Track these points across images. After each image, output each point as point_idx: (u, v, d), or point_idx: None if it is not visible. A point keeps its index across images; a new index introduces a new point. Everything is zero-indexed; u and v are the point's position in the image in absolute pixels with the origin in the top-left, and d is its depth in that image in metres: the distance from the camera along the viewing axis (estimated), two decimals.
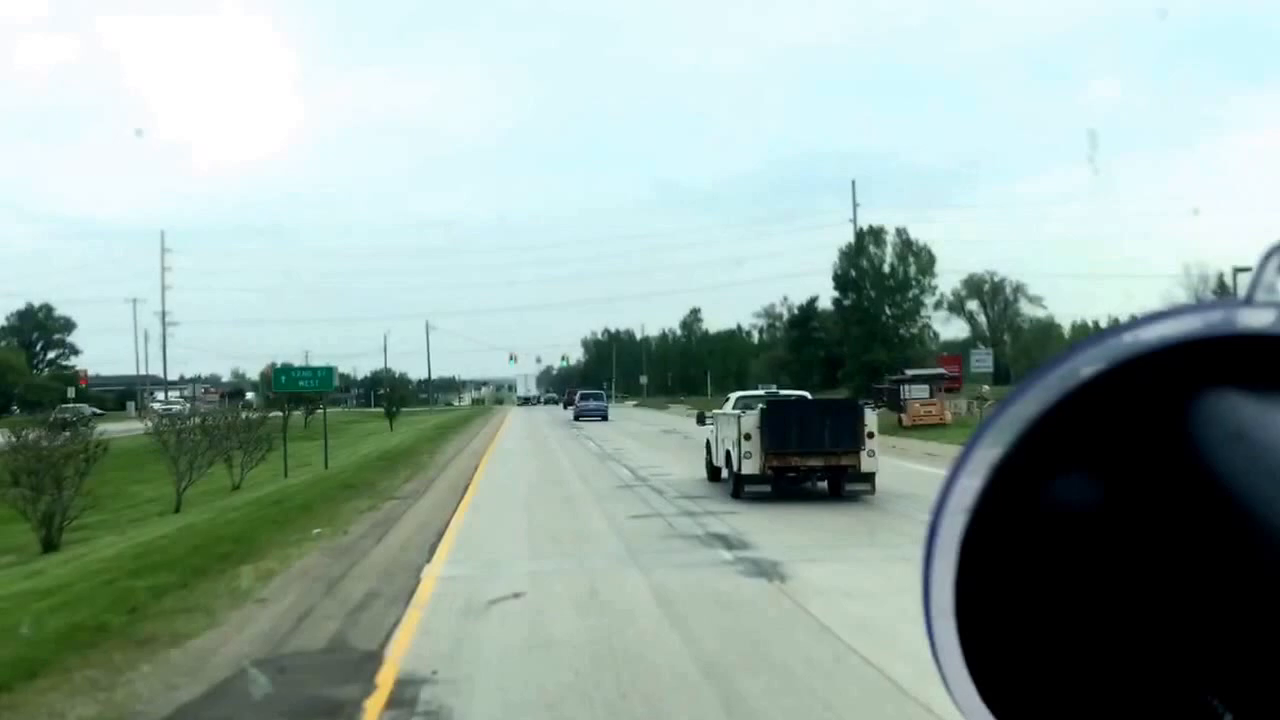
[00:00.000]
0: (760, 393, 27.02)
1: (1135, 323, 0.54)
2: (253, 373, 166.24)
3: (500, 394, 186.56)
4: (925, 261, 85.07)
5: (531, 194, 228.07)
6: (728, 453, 19.67)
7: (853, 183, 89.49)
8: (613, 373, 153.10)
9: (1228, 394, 0.53)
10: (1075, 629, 0.56)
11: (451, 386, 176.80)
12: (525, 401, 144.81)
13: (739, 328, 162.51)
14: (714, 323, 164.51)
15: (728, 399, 24.07)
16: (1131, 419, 0.54)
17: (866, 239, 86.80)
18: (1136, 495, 0.54)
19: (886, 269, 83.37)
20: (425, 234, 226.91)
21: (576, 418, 64.78)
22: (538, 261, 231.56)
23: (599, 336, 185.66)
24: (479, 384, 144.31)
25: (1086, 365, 0.54)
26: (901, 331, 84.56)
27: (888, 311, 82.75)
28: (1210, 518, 0.51)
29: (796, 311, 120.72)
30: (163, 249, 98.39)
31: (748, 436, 18.33)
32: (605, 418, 64.65)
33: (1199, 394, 0.53)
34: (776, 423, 18.33)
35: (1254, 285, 0.54)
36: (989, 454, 0.55)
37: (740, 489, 18.91)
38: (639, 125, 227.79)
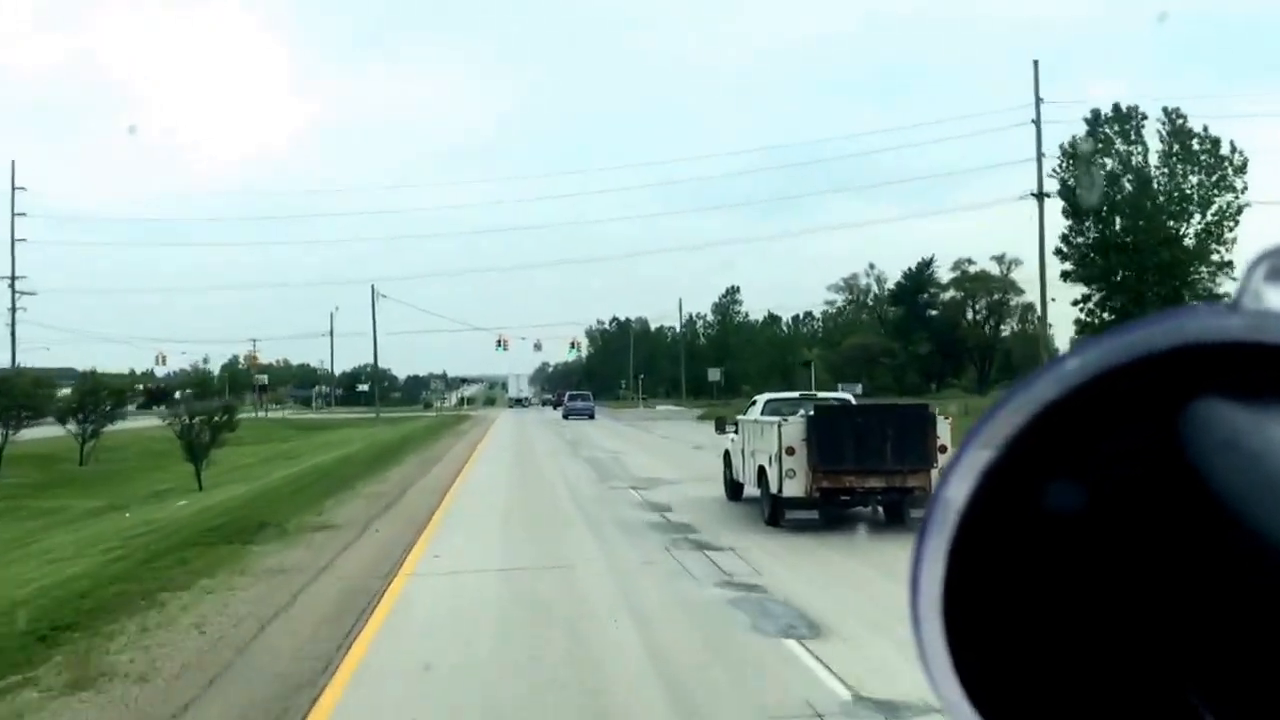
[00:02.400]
0: (794, 395, 19.79)
1: (1126, 328, 0.53)
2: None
3: (493, 392, 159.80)
4: (1221, 165, 45.04)
5: (537, 179, 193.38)
6: (761, 469, 15.36)
7: (1035, 63, 51.92)
8: (629, 369, 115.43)
9: (1219, 401, 0.52)
10: (1063, 630, 0.55)
11: (446, 384, 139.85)
12: (517, 403, 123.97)
13: (769, 315, 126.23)
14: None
15: (754, 402, 18.79)
16: (1123, 425, 0.54)
17: (1109, 126, 46.85)
18: (1128, 501, 0.54)
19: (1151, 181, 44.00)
20: (412, 223, 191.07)
21: (565, 416, 65.48)
22: (538, 248, 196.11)
23: (606, 326, 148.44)
24: (463, 380, 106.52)
25: (1078, 371, 0.53)
26: (1193, 279, 44.76)
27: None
28: (1201, 524, 0.50)
29: (903, 280, 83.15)
30: (13, 184, 60.11)
31: (790, 450, 14.21)
32: (592, 416, 65.34)
33: (1190, 401, 0.52)
34: (828, 434, 14.20)
35: (1241, 293, 0.53)
36: (981, 456, 0.54)
37: (779, 515, 14.67)
38: (643, 118, 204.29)
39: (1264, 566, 0.47)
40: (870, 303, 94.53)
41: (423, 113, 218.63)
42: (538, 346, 77.76)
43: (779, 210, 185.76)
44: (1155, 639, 0.53)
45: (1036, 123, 52.50)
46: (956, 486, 0.54)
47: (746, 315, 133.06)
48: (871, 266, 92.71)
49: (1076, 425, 0.53)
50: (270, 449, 45.29)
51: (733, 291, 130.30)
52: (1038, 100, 52.51)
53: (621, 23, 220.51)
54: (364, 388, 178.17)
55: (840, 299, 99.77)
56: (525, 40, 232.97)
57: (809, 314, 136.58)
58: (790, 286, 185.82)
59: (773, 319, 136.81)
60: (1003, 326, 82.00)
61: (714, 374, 78.11)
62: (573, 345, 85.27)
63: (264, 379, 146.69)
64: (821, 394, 23.34)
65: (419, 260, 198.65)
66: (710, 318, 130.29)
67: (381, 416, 75.95)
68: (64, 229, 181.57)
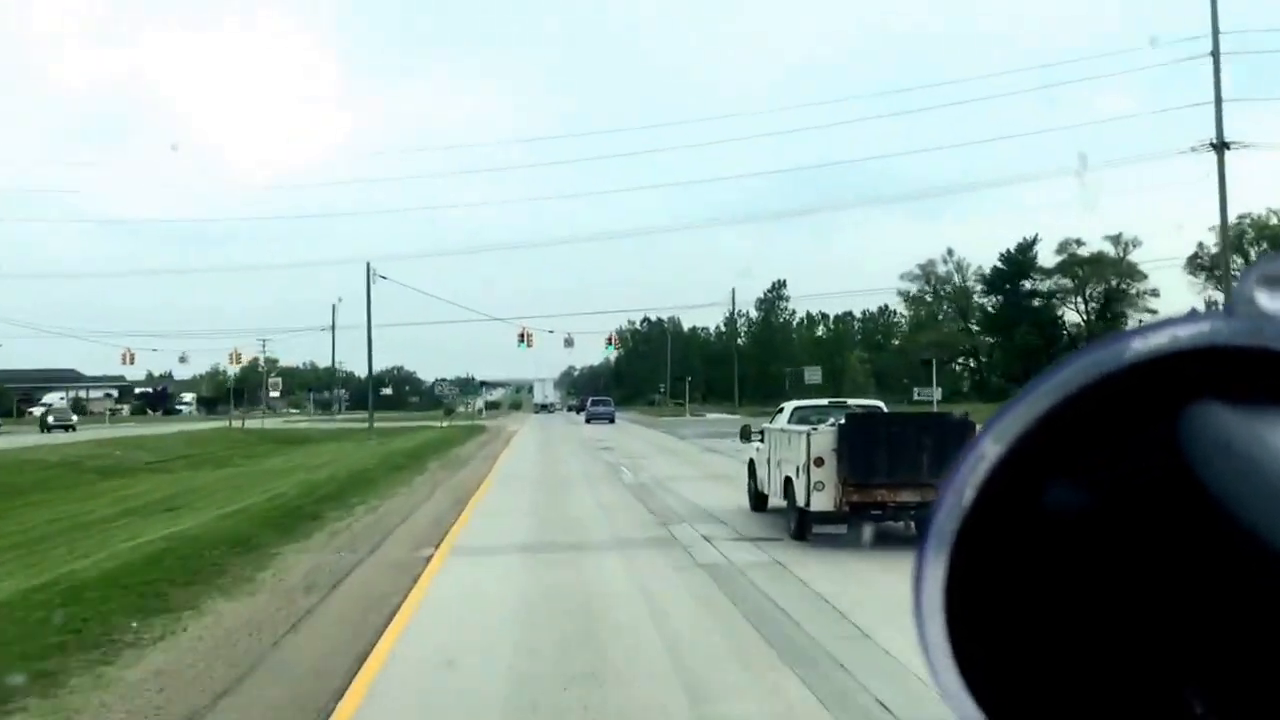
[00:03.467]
0: (823, 403, 18.09)
1: (1125, 334, 0.53)
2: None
3: (519, 396, 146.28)
4: None
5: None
6: (788, 480, 14.00)
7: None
8: (666, 372, 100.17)
9: (1215, 406, 0.51)
10: (1063, 630, 0.55)
11: (462, 389, 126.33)
12: (543, 408, 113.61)
13: (810, 316, 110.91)
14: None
15: (781, 409, 16.97)
16: (1123, 429, 0.53)
17: None
18: (1128, 504, 0.53)
19: None
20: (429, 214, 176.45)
21: (588, 420, 64.65)
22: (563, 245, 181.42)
23: (637, 326, 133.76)
24: (482, 384, 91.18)
25: (1079, 375, 0.53)
26: None
27: None
28: (1198, 527, 0.50)
29: (1000, 264, 67.06)
30: None
31: (819, 461, 12.93)
32: (612, 420, 64.56)
33: (1188, 405, 0.52)
34: (859, 444, 12.92)
35: (1236, 299, 0.53)
36: (985, 459, 0.54)
37: (806, 529, 13.35)
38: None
39: (1261, 568, 0.47)
40: (946, 293, 78.69)
41: (446, 122, 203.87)
42: (569, 342, 62.43)
43: (820, 194, 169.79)
44: (1155, 638, 0.53)
45: (1215, 55, 37.29)
46: (961, 487, 0.54)
47: (793, 313, 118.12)
48: (950, 252, 76.79)
49: (1079, 429, 0.53)
50: (172, 484, 29.90)
51: (778, 287, 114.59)
52: (1215, 31, 37.24)
53: (644, 32, 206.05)
54: (388, 391, 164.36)
55: (914, 289, 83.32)
56: (541, 52, 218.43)
57: (848, 313, 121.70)
58: (829, 284, 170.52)
59: (820, 317, 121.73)
60: (1122, 319, 66.23)
61: (812, 375, 61.93)
62: (609, 341, 69.50)
63: (278, 380, 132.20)
64: (852, 401, 19.93)
65: (435, 249, 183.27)
66: (753, 314, 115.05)
67: (381, 427, 60.64)
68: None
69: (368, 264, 53.06)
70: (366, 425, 68.87)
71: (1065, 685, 0.55)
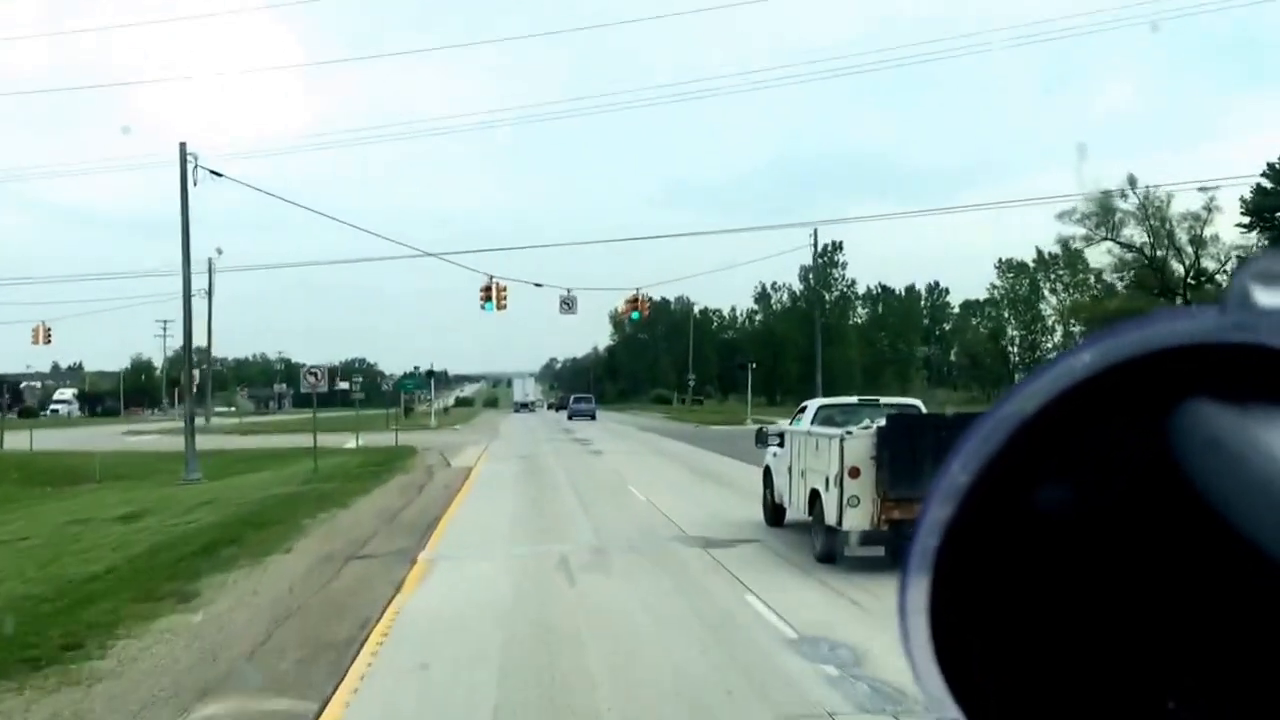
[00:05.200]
0: (851, 401, 16.16)
1: (1113, 332, 0.53)
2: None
3: (495, 391, 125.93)
4: None
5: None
6: (814, 493, 12.42)
7: None
8: (689, 360, 76.14)
9: (1205, 403, 0.51)
10: (1048, 629, 0.55)
11: (408, 382, 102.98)
12: (523, 407, 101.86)
13: (850, 292, 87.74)
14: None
15: (803, 408, 15.26)
16: (1110, 427, 0.53)
17: None
18: (1115, 503, 0.53)
19: None
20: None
21: (570, 417, 66.13)
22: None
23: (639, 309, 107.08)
24: (431, 374, 66.66)
25: (1066, 375, 0.53)
26: None
27: None
28: (1188, 526, 0.50)
29: (1269, 182, 42.19)
30: None
31: (854, 472, 11.37)
32: (593, 417, 66.71)
33: (1177, 402, 0.52)
34: (903, 451, 11.08)
35: (1229, 295, 0.53)
36: (975, 456, 0.54)
37: (836, 551, 11.77)
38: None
39: (1251, 567, 0.46)
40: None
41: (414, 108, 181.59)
42: (567, 304, 38.41)
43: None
44: (1143, 637, 0.53)
45: None
46: (952, 485, 0.53)
47: (852, 283, 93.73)
48: (1132, 182, 51.57)
49: (1067, 428, 0.53)
50: None
51: (832, 251, 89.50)
52: None
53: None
54: (344, 385, 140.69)
55: (1079, 234, 57.48)
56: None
57: (911, 287, 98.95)
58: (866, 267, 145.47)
59: (880, 291, 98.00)
60: None
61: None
62: (634, 306, 44.86)
63: (197, 373, 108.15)
64: (884, 399, 17.09)
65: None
66: (796, 288, 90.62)
67: (237, 450, 35.80)
68: None
69: (181, 145, 27.35)
70: (254, 435, 44.12)
71: (1053, 688, 0.54)
